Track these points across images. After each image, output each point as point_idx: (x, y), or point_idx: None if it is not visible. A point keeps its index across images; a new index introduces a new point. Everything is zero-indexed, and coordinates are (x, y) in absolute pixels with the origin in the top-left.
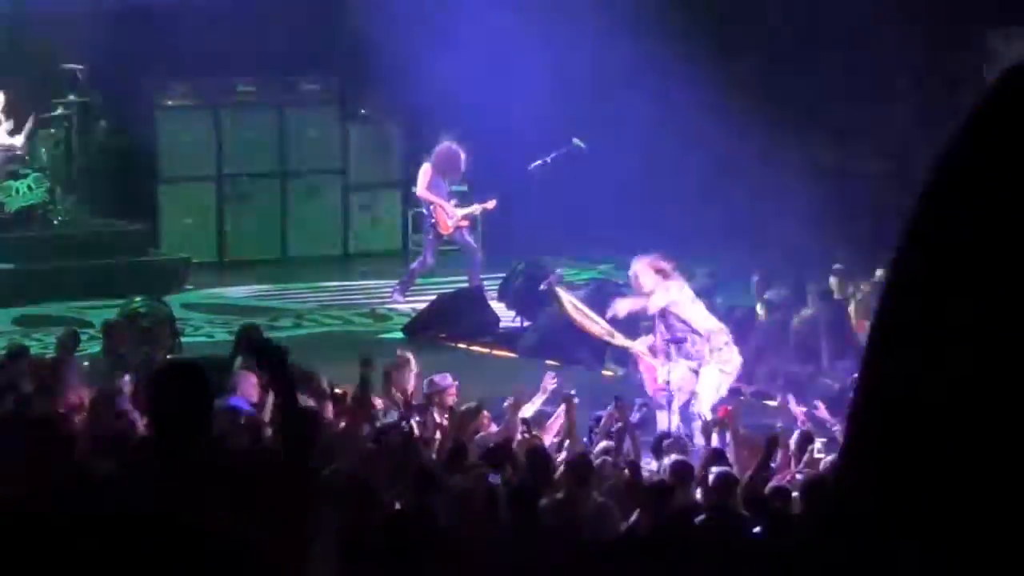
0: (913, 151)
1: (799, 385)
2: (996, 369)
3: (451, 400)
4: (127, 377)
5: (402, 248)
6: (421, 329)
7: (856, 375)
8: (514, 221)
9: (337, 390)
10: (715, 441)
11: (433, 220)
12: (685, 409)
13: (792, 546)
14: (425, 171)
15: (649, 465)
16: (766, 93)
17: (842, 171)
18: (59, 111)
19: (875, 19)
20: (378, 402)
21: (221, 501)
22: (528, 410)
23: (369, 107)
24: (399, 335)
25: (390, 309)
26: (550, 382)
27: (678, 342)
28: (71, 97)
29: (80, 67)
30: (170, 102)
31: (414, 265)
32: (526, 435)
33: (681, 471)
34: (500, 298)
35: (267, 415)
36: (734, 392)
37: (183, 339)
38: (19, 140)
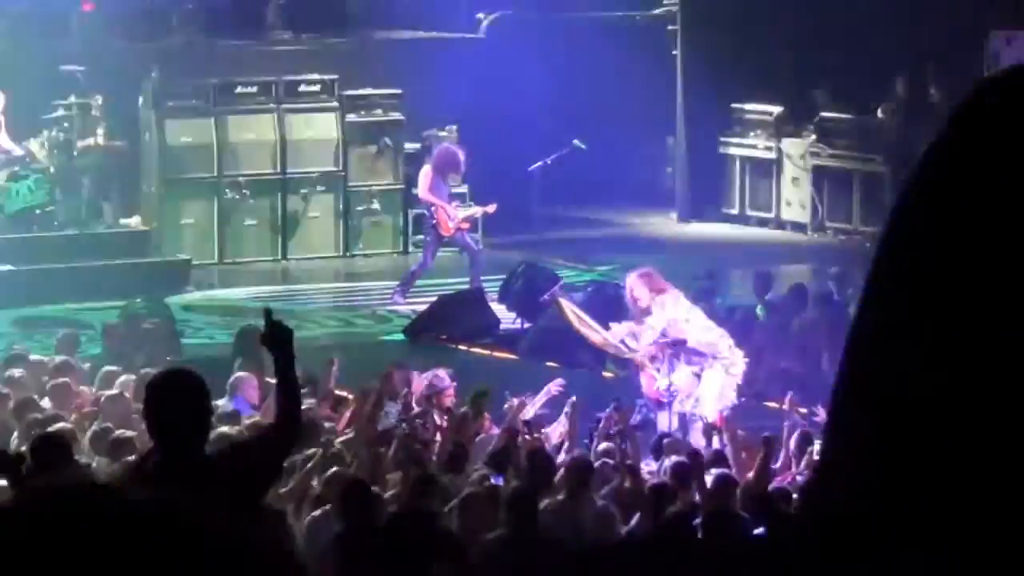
0: (914, 152)
1: (799, 387)
2: (989, 366)
3: (449, 401)
4: (128, 378)
5: (402, 250)
6: (422, 330)
7: (840, 375)
8: (514, 222)
9: (339, 392)
10: (715, 443)
11: (434, 221)
12: (683, 413)
13: (790, 549)
14: (426, 173)
15: (649, 466)
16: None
17: (842, 171)
18: (59, 113)
19: (874, 22)
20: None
21: (218, 503)
22: (529, 411)
23: (369, 108)
24: (400, 336)
25: (391, 311)
26: (556, 387)
27: (679, 343)
28: (72, 99)
29: (81, 68)
30: (170, 103)
31: (414, 267)
32: (527, 437)
33: (681, 472)
34: (500, 300)
35: (269, 417)
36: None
37: (183, 340)
38: (17, 150)
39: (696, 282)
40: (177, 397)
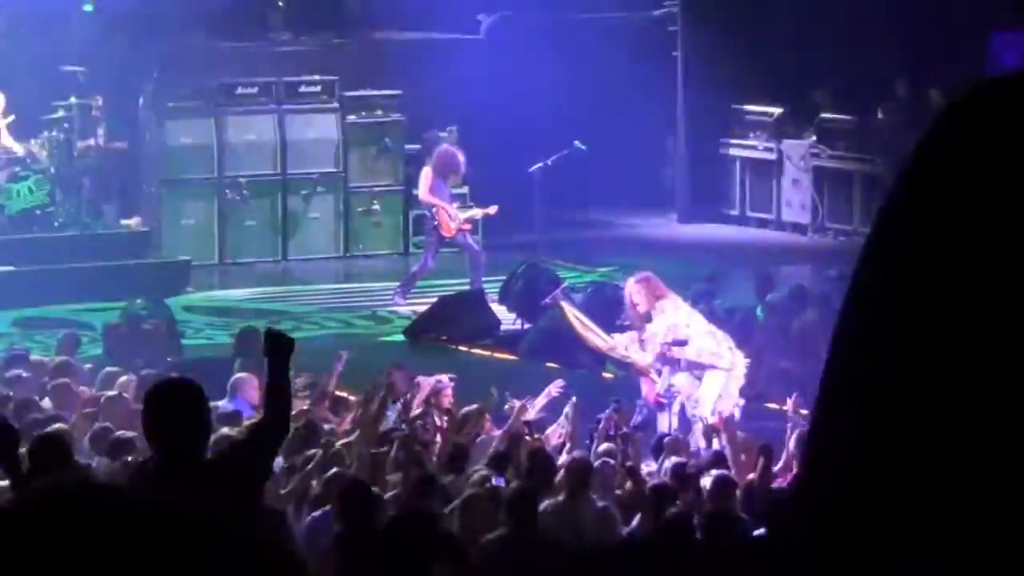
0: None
1: (800, 388)
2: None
3: (447, 402)
4: (128, 379)
5: (402, 250)
6: (422, 331)
7: (827, 373)
8: (515, 223)
9: (339, 393)
10: (715, 445)
11: (436, 223)
12: (683, 414)
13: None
14: (426, 174)
15: (649, 467)
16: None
17: (842, 172)
18: (60, 113)
19: (875, 23)
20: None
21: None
22: (530, 413)
23: (369, 109)
24: (400, 337)
25: (391, 311)
26: (556, 388)
27: (681, 344)
28: (72, 99)
29: (81, 69)
30: (171, 104)
31: (415, 268)
32: (528, 438)
33: (682, 473)
34: (501, 300)
35: None
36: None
37: (183, 341)
38: (19, 149)
39: (696, 283)
40: (175, 408)
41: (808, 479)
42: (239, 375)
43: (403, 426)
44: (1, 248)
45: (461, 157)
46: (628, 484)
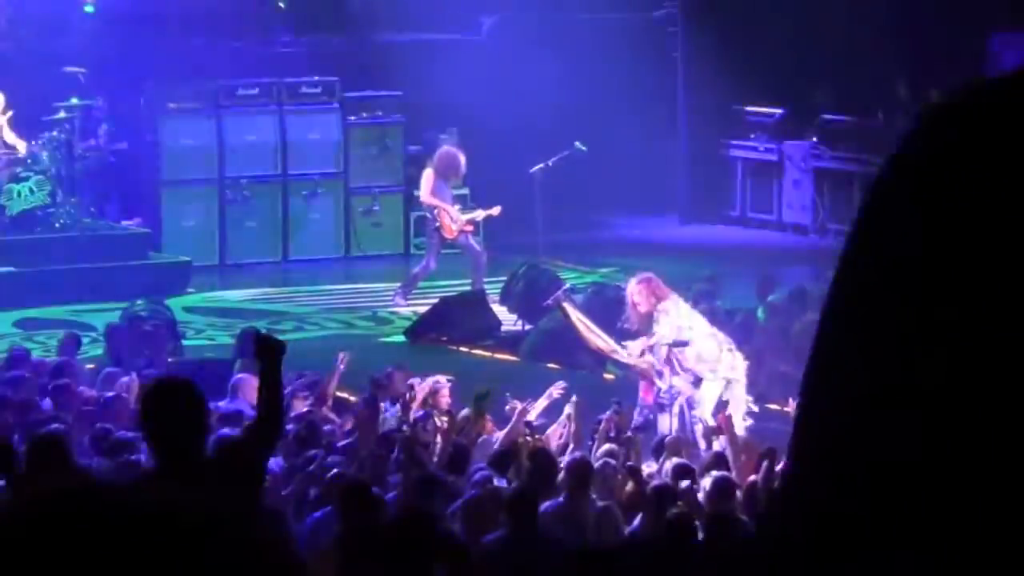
0: None
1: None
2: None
3: (445, 402)
4: (129, 379)
5: (403, 251)
6: (423, 332)
7: (814, 369)
8: (516, 224)
9: (340, 395)
10: (716, 446)
11: (437, 224)
12: (685, 414)
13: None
14: (428, 176)
15: (649, 467)
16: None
17: (843, 173)
18: (61, 114)
19: (875, 24)
20: (380, 405)
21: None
22: (531, 414)
23: (370, 110)
24: (401, 338)
25: (392, 312)
26: (557, 390)
27: (682, 346)
28: (73, 100)
29: (82, 70)
30: (171, 105)
31: (416, 269)
32: (529, 439)
33: (683, 474)
34: (502, 301)
35: None
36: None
37: (184, 342)
38: (21, 148)
39: (696, 283)
40: (172, 407)
41: (799, 477)
42: (240, 376)
43: (404, 427)
44: (2, 249)
45: (462, 158)
46: (629, 484)
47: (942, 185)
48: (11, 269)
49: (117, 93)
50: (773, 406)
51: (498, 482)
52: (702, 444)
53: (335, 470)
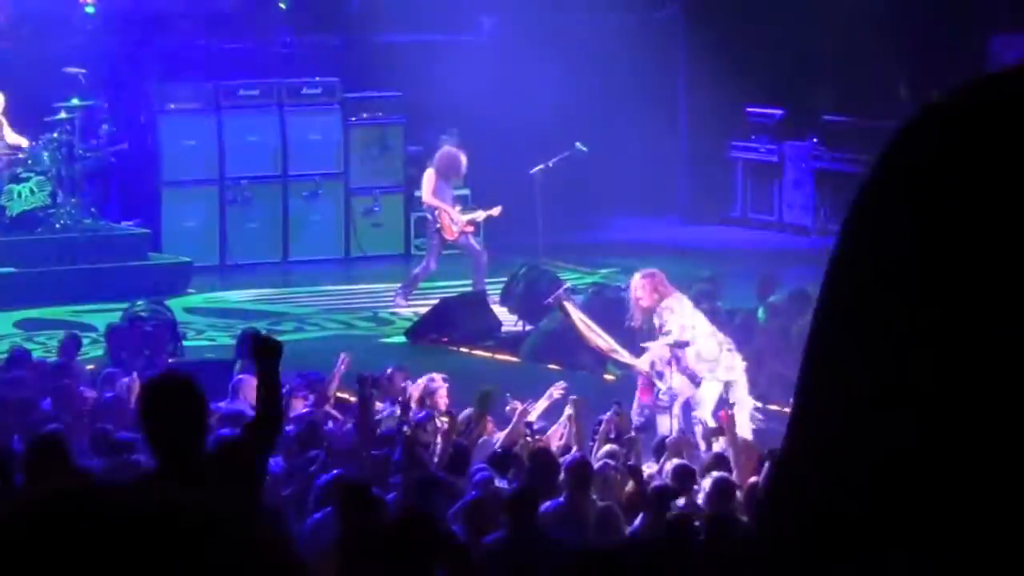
0: None
1: None
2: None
3: (442, 403)
4: (130, 380)
5: (404, 252)
6: (423, 333)
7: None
8: (516, 225)
9: (341, 395)
10: (716, 447)
11: (438, 225)
12: (686, 415)
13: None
14: (429, 176)
15: (650, 468)
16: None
17: (844, 174)
18: (62, 115)
19: (875, 24)
20: (377, 405)
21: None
22: (532, 415)
23: (370, 111)
24: (402, 339)
25: (393, 313)
26: (557, 390)
27: (682, 346)
28: (74, 101)
29: (83, 71)
30: (172, 106)
31: (417, 270)
32: (530, 439)
33: (683, 475)
34: (502, 302)
35: None
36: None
37: (185, 343)
38: (23, 141)
39: (697, 283)
40: (173, 404)
41: (795, 477)
42: (240, 376)
43: (404, 428)
44: (2, 249)
45: (463, 159)
46: (630, 484)
47: (937, 183)
48: (12, 270)
49: (118, 93)
50: (774, 407)
51: (499, 482)
52: (702, 445)
53: (336, 470)
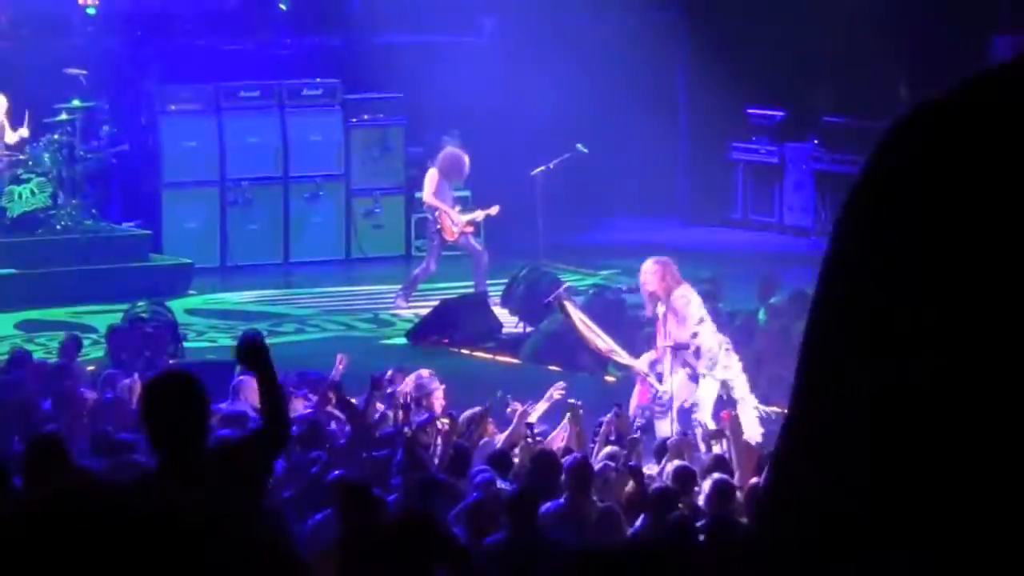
0: None
1: None
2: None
3: (439, 404)
4: (130, 381)
5: (404, 253)
6: (424, 334)
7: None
8: (517, 226)
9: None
10: (716, 449)
11: (438, 226)
12: (685, 417)
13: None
14: (432, 177)
15: (650, 470)
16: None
17: (844, 176)
18: (63, 116)
19: (875, 24)
20: (378, 406)
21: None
22: (533, 416)
23: (371, 112)
24: (402, 340)
25: (393, 314)
26: (557, 391)
27: (682, 348)
28: (75, 102)
29: (84, 72)
30: (173, 107)
31: (417, 271)
32: (530, 441)
33: (684, 477)
34: (503, 304)
35: None
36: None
37: (185, 344)
38: (24, 132)
39: (697, 286)
40: (175, 401)
41: (792, 477)
42: (241, 378)
43: (405, 429)
44: (3, 250)
45: (467, 160)
46: (630, 484)
47: (930, 181)
48: (12, 271)
49: (119, 95)
50: (775, 409)
51: (501, 484)
52: (702, 447)
53: (337, 471)
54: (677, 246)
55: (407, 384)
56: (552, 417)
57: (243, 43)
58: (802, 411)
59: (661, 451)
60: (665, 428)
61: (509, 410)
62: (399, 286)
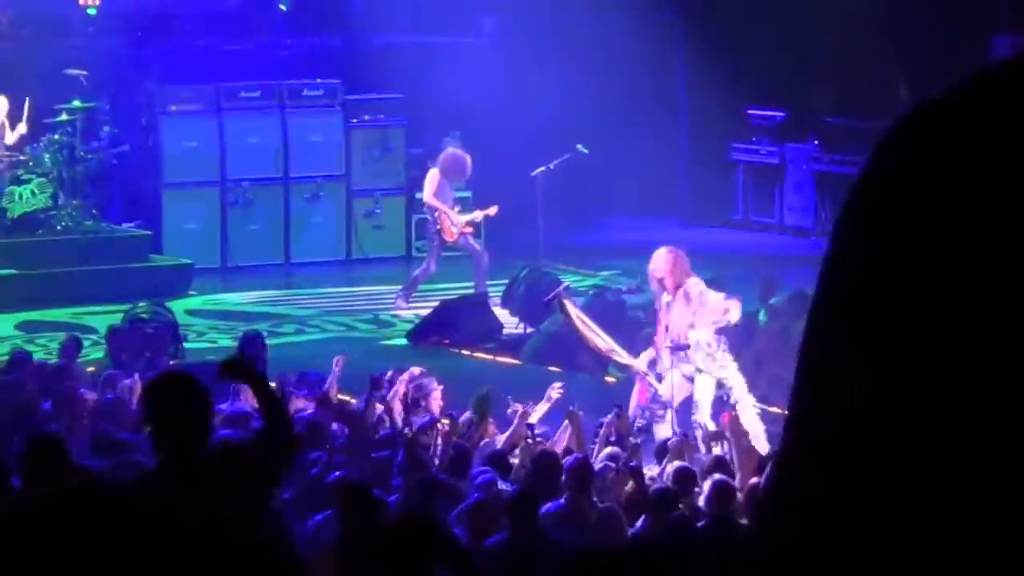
0: None
1: None
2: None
3: (437, 404)
4: (130, 382)
5: (405, 253)
6: (424, 335)
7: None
8: (517, 227)
9: (342, 397)
10: (716, 450)
11: (438, 227)
12: (684, 418)
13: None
14: (433, 177)
15: (651, 471)
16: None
17: (844, 176)
18: (63, 117)
19: (875, 24)
20: (378, 407)
21: (219, 503)
22: (533, 417)
23: (371, 113)
24: (403, 341)
25: (393, 315)
26: (555, 391)
27: (681, 348)
28: (75, 103)
29: (84, 72)
30: (173, 107)
31: (417, 272)
32: (531, 441)
33: (685, 478)
34: (503, 304)
35: None
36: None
37: (186, 345)
38: (22, 128)
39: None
40: (176, 401)
41: (792, 478)
42: None
43: (406, 429)
44: (3, 251)
45: (468, 160)
46: (631, 485)
47: (930, 181)
48: (13, 271)
49: (119, 95)
50: (775, 409)
51: (502, 484)
52: (702, 448)
53: (337, 472)
54: (677, 247)
55: (401, 384)
56: (552, 417)
57: (243, 43)
58: (802, 411)
59: (661, 452)
60: (664, 431)
61: (510, 411)
62: (399, 287)
